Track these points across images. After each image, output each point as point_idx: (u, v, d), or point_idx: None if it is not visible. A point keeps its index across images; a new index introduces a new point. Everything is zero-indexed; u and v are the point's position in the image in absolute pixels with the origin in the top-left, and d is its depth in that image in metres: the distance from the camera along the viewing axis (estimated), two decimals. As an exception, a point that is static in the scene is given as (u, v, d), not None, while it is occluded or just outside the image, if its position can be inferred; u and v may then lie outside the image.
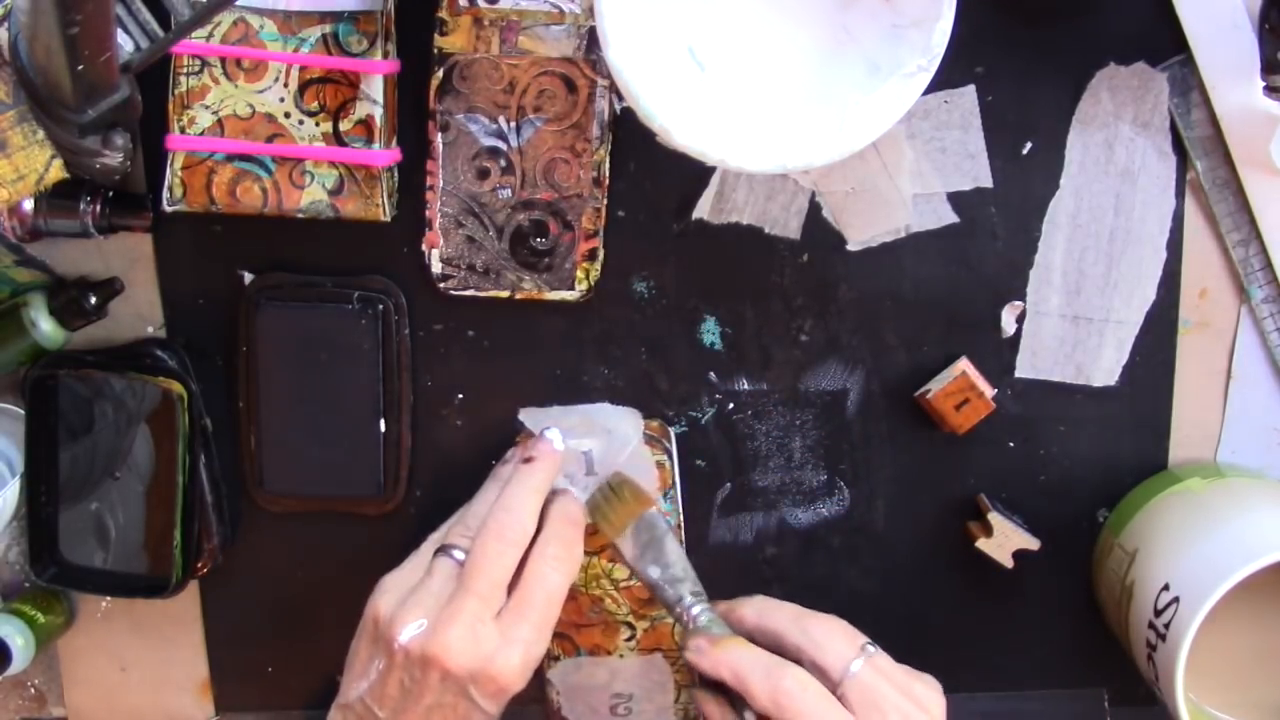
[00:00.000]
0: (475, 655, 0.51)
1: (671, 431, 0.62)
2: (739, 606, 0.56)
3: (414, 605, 0.53)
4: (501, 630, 0.52)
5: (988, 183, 0.60)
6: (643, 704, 0.64)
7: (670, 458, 0.62)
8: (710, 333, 0.62)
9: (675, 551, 0.57)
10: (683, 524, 0.62)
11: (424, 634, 0.52)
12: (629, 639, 0.63)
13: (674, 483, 0.62)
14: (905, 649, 0.53)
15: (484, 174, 0.59)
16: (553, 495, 0.57)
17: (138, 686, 0.66)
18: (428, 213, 0.60)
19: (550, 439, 0.59)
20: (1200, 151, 0.59)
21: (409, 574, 0.55)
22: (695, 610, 0.55)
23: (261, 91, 0.57)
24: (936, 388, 0.59)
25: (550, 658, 0.63)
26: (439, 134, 0.59)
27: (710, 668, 0.52)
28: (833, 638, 0.53)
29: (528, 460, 0.58)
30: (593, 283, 0.60)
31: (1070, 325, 0.61)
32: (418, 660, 0.52)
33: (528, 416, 0.62)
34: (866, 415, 0.62)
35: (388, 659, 0.53)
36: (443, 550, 0.55)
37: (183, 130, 0.58)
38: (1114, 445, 0.62)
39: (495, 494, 0.57)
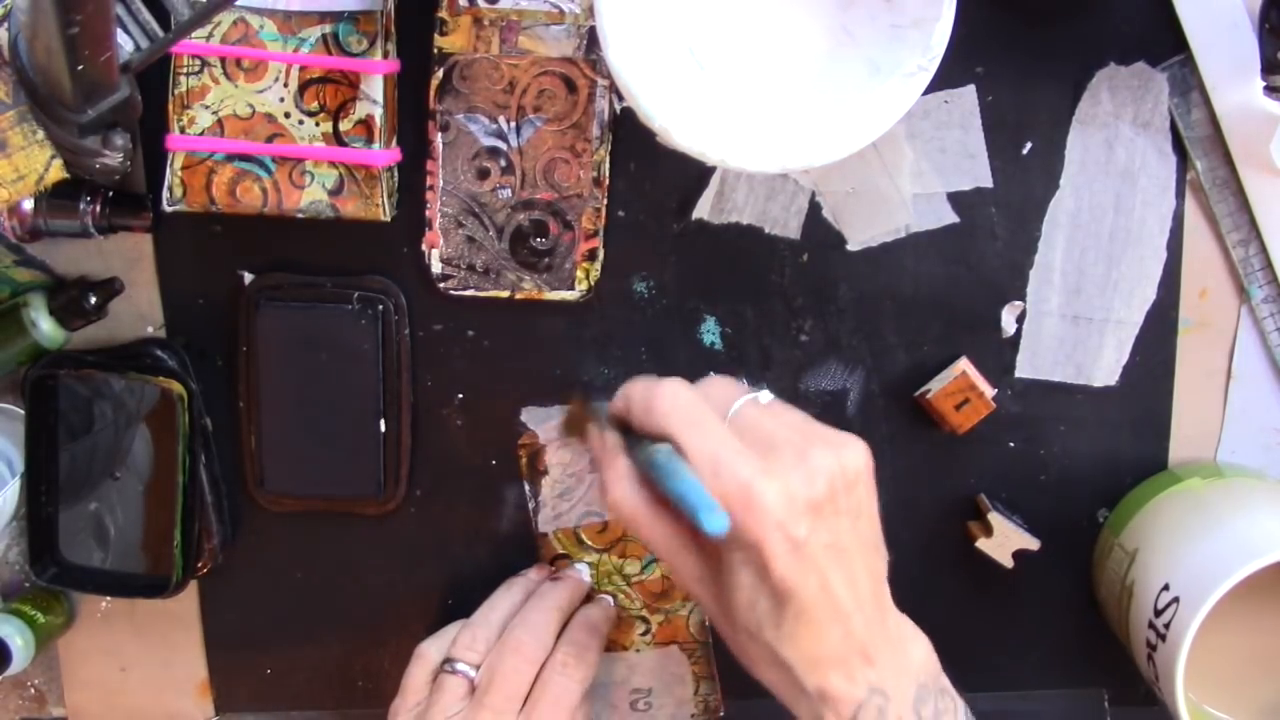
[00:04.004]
0: None
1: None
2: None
3: None
4: None
5: (988, 183, 0.60)
6: (662, 698, 0.64)
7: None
8: (710, 333, 0.62)
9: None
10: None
11: None
12: (644, 633, 0.64)
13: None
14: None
15: (484, 174, 0.59)
16: (584, 601, 0.62)
17: (138, 686, 0.66)
18: (428, 213, 0.60)
19: (580, 570, 0.62)
20: (1200, 151, 0.59)
21: (413, 695, 0.57)
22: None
23: (261, 91, 0.57)
24: (936, 388, 0.59)
25: None
26: (439, 134, 0.59)
27: (613, 405, 0.49)
28: (711, 385, 0.48)
29: (555, 578, 0.61)
30: (593, 283, 0.60)
31: (1070, 325, 0.61)
32: None
33: (528, 416, 0.62)
34: (866, 415, 0.62)
35: None
36: (449, 666, 0.56)
37: (183, 130, 0.58)
38: (1114, 445, 0.62)
39: (506, 606, 0.60)
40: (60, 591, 0.65)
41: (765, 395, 0.46)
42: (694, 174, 0.60)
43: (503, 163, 0.59)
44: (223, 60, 0.57)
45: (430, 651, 0.59)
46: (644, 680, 0.64)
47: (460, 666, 0.57)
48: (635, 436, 0.47)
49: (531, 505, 0.63)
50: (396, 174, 0.60)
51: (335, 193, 0.58)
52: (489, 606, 0.60)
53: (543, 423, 0.62)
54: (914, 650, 0.47)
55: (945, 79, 0.56)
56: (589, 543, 0.63)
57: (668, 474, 0.43)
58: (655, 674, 0.64)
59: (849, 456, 0.44)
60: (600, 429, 0.48)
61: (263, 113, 0.57)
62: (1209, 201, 0.59)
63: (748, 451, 0.43)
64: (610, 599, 0.63)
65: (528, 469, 0.63)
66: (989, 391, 0.59)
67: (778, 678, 0.45)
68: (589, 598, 0.63)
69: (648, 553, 0.63)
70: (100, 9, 0.42)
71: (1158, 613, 0.54)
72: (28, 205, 0.57)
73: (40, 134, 0.48)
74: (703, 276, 0.61)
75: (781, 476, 0.42)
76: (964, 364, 0.59)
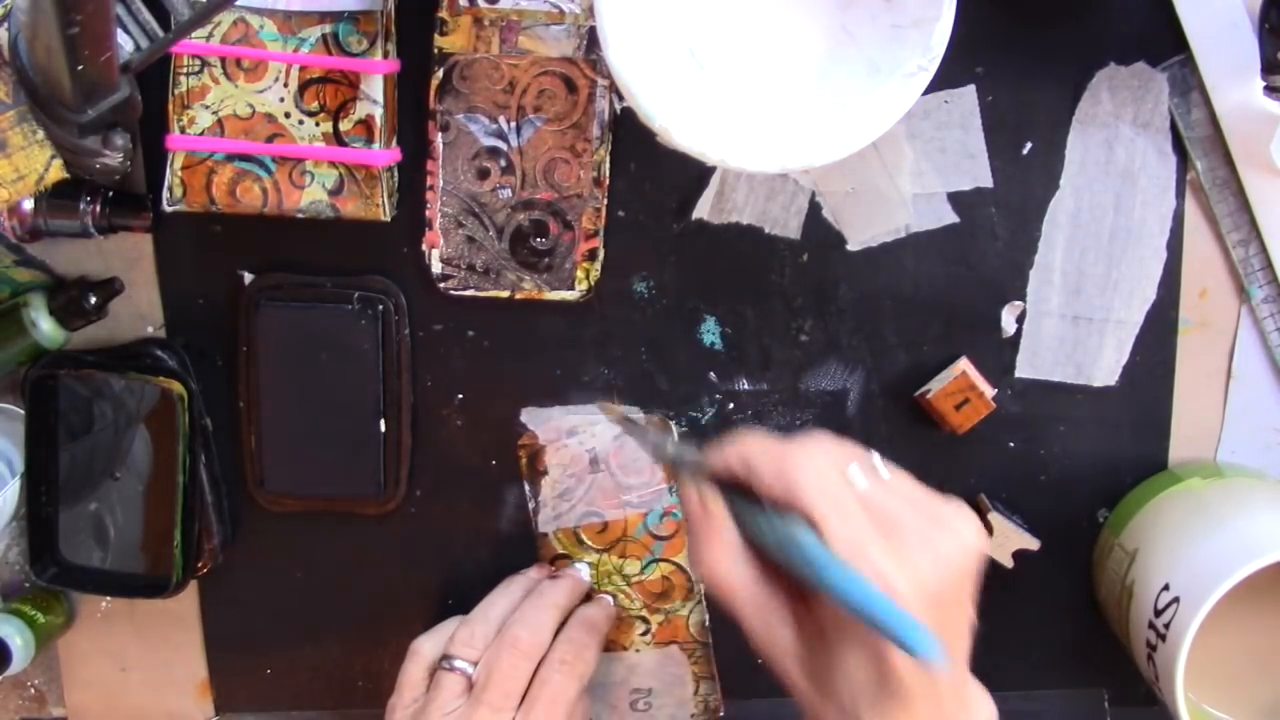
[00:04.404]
0: None
1: (673, 426, 0.62)
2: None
3: None
4: None
5: (988, 183, 0.60)
6: (662, 698, 0.64)
7: None
8: (710, 333, 0.62)
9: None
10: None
11: None
12: (644, 633, 0.64)
13: (678, 477, 0.62)
14: (905, 649, 0.53)
15: (484, 174, 0.59)
16: (584, 599, 0.62)
17: (138, 687, 0.66)
18: (428, 213, 0.60)
19: (580, 570, 0.63)
20: (1200, 151, 0.59)
21: (409, 691, 0.58)
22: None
23: (261, 91, 0.57)
24: (936, 388, 0.59)
25: None
26: (439, 134, 0.59)
27: (721, 461, 0.45)
28: (823, 448, 0.44)
29: (553, 576, 0.61)
30: (593, 283, 0.60)
31: (1070, 325, 0.61)
32: None
33: (528, 416, 0.62)
34: (866, 415, 0.62)
35: None
36: (446, 663, 0.57)
37: (183, 130, 0.58)
38: (1114, 445, 0.62)
39: (505, 603, 0.60)
40: (60, 591, 0.65)
41: (881, 465, 0.44)
42: (694, 174, 0.60)
43: (503, 163, 0.59)
44: (223, 60, 0.57)
45: (425, 648, 0.59)
46: (644, 680, 0.64)
47: (458, 663, 0.57)
48: (740, 496, 0.44)
49: (531, 505, 0.63)
50: (396, 174, 0.60)
51: (335, 193, 0.58)
52: (487, 604, 0.60)
53: (543, 423, 0.62)
54: (981, 711, 0.48)
55: (945, 79, 0.56)
56: (589, 543, 0.63)
57: (832, 573, 0.40)
58: (655, 674, 0.64)
59: (969, 539, 0.43)
60: (693, 482, 0.45)
61: (263, 113, 0.57)
62: (1209, 201, 0.59)
63: (880, 537, 0.41)
64: (610, 599, 0.63)
65: (528, 469, 0.63)
66: (989, 391, 0.59)
67: None
68: (588, 597, 0.63)
69: (648, 553, 0.63)
70: (100, 9, 0.42)
71: (1158, 613, 0.54)
72: (28, 205, 0.57)
73: (40, 134, 0.48)
74: (703, 276, 0.61)
75: (912, 568, 0.41)
76: (964, 364, 0.59)
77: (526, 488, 0.63)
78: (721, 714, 0.65)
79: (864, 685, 0.42)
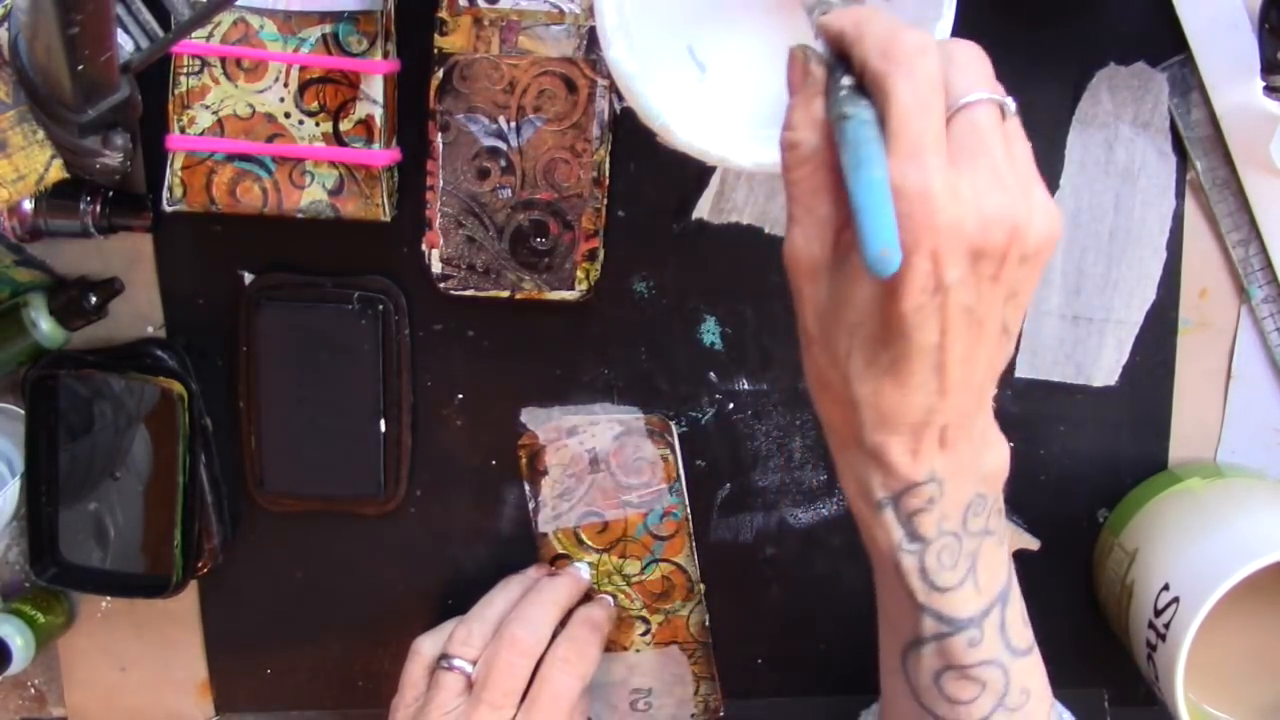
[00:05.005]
0: None
1: (673, 425, 0.62)
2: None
3: None
4: None
5: (988, 183, 0.60)
6: (662, 698, 0.64)
7: (673, 450, 0.62)
8: (710, 333, 0.62)
9: None
10: (690, 516, 0.62)
11: None
12: (644, 633, 0.64)
13: (679, 475, 0.62)
14: (905, 649, 0.53)
15: (484, 174, 0.59)
16: (584, 599, 0.62)
17: (138, 686, 0.66)
18: (428, 213, 0.60)
19: (580, 570, 0.62)
20: (1200, 151, 0.59)
21: (410, 691, 0.58)
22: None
23: (261, 91, 0.57)
24: (936, 388, 0.59)
25: None
26: (439, 134, 0.59)
27: (834, 19, 0.40)
28: (960, 58, 0.38)
29: (552, 575, 0.62)
30: (593, 283, 0.60)
31: (1070, 325, 0.61)
32: None
33: (528, 416, 0.62)
34: (866, 415, 0.62)
35: None
36: (445, 662, 0.57)
37: (183, 130, 0.58)
38: (1114, 445, 0.62)
39: (503, 602, 0.60)
40: (60, 591, 0.65)
41: (1012, 110, 0.38)
42: (694, 174, 0.60)
43: (503, 163, 0.59)
44: (223, 60, 0.57)
45: (425, 647, 0.59)
46: (644, 680, 0.64)
47: (457, 662, 0.57)
48: (841, 67, 0.39)
49: (531, 505, 0.63)
50: (396, 174, 0.60)
51: (335, 193, 0.58)
52: (485, 602, 0.60)
53: (543, 423, 0.62)
54: (990, 456, 0.41)
55: (945, 79, 0.56)
56: (589, 543, 0.63)
57: (858, 152, 0.35)
58: (655, 674, 0.64)
59: (1042, 222, 0.37)
60: (809, 54, 0.41)
61: (263, 113, 0.57)
62: (1209, 201, 0.59)
63: (947, 156, 0.36)
64: (610, 599, 0.63)
65: (528, 469, 0.63)
66: (989, 391, 0.59)
67: (837, 417, 0.40)
68: (588, 597, 0.63)
69: (648, 553, 0.63)
70: (100, 9, 0.42)
71: (1158, 613, 0.54)
72: (28, 205, 0.57)
73: (40, 134, 0.48)
74: (703, 276, 0.61)
75: (967, 199, 0.35)
76: (964, 364, 0.59)
77: (526, 488, 0.63)
78: (721, 714, 0.65)
79: (864, 333, 0.38)
